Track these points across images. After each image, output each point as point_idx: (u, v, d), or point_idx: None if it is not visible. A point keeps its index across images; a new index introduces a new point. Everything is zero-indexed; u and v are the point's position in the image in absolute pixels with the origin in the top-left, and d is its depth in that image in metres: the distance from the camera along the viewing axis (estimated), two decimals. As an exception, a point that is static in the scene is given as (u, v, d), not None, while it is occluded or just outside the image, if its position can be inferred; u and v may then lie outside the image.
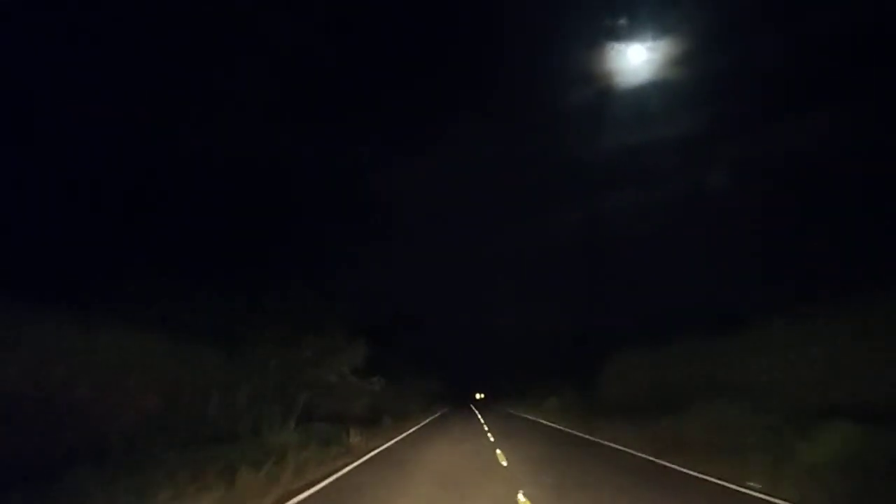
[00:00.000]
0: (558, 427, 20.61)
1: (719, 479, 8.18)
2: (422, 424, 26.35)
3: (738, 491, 7.46)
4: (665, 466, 9.79)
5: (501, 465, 10.50)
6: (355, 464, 11.80)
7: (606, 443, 14.28)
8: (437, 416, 35.89)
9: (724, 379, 13.88)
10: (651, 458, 10.75)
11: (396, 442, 17.12)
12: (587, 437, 16.17)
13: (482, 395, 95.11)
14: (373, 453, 13.74)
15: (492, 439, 16.38)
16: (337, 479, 9.78)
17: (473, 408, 49.24)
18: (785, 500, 6.78)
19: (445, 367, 78.44)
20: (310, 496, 8.19)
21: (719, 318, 17.95)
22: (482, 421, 26.59)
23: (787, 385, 12.61)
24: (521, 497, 7.33)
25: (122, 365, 10.69)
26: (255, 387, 15.36)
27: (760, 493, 7.21)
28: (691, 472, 8.90)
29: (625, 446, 13.00)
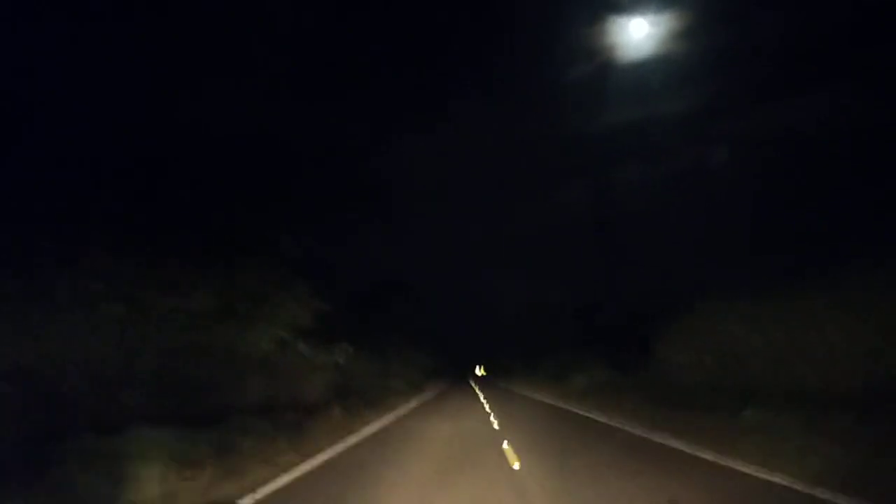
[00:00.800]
0: (652, 437, 10.39)
1: None
2: (392, 418, 17.10)
3: None
4: None
5: None
6: None
7: None
8: (423, 400, 26.81)
9: None
10: None
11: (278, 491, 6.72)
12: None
13: (483, 371, 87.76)
14: None
15: (515, 466, 8.05)
16: None
17: (475, 387, 41.20)
18: None
19: (444, 339, 71.41)
20: None
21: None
22: (489, 409, 18.58)
23: None
24: None
25: None
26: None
27: None
28: None
29: None
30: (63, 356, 8.44)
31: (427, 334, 56.73)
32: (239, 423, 9.60)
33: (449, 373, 67.67)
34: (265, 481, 6.85)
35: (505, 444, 9.95)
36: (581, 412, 16.37)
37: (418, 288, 54.28)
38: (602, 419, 14.07)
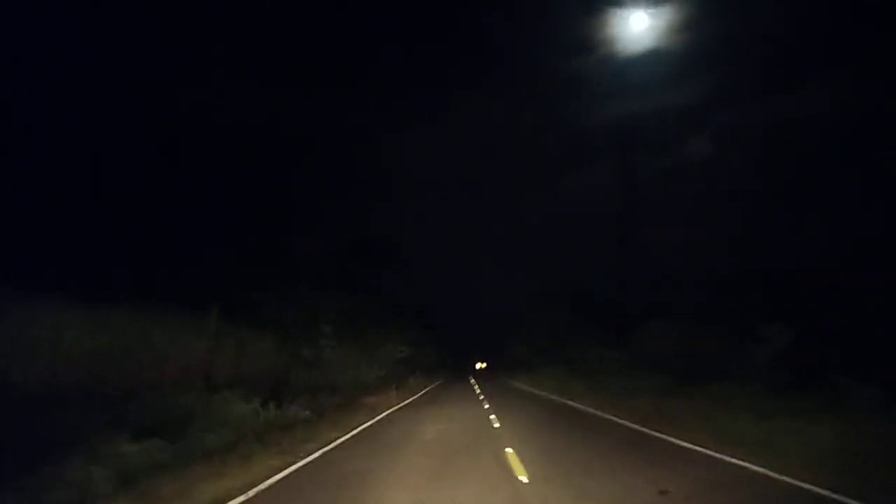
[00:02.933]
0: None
1: None
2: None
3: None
4: None
5: None
6: None
7: None
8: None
9: None
10: None
11: None
12: None
13: (484, 365, 72.80)
14: None
15: None
16: None
17: (478, 390, 25.58)
18: None
19: (442, 330, 57.59)
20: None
21: None
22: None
23: None
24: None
25: None
26: None
27: None
28: None
29: None
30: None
31: (414, 313, 43.34)
32: None
33: (446, 370, 53.22)
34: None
35: None
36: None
37: (411, 260, 41.27)
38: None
